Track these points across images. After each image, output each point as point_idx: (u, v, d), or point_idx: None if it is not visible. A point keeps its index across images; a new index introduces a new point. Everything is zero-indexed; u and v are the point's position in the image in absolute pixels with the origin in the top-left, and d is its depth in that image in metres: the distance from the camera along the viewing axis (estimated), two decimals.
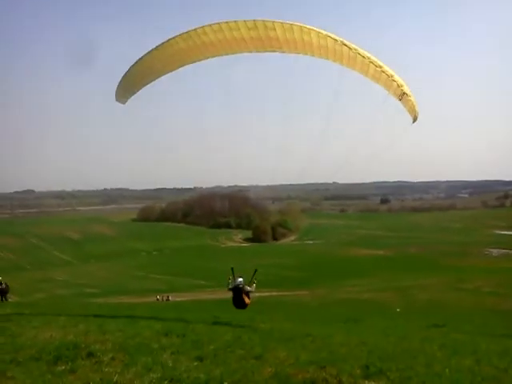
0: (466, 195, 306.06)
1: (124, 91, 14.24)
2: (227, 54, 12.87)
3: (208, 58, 13.16)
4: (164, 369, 7.39)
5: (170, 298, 51.67)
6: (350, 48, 12.12)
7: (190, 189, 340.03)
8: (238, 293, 14.02)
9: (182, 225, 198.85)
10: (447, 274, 65.40)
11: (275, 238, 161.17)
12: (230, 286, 14.33)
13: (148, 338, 10.04)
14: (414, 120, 13.82)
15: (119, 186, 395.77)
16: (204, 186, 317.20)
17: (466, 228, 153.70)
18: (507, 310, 31.63)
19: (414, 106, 13.40)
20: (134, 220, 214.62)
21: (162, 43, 12.65)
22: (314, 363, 8.25)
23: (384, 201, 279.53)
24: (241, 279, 14.36)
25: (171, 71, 13.54)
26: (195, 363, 7.90)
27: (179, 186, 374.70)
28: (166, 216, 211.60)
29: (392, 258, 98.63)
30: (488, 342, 13.28)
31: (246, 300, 14.09)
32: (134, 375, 7.02)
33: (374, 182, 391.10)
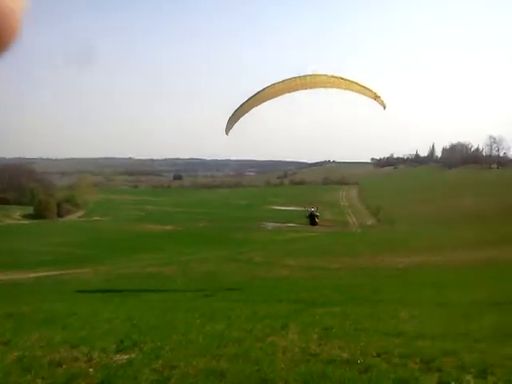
0: (253, 173, 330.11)
1: (230, 124, 21.28)
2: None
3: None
4: None
5: None
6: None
7: None
8: (313, 217, 25.74)
9: None
10: (230, 248, 70.02)
11: (60, 215, 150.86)
12: (307, 214, 25.86)
13: None
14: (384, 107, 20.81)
15: None
16: None
17: (250, 204, 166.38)
18: (273, 278, 35.28)
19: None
20: None
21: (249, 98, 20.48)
22: (67, 343, 8.11)
23: (176, 177, 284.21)
24: (313, 208, 26.07)
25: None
26: None
27: None
28: None
29: (180, 232, 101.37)
30: (245, 307, 14.65)
31: (317, 220, 25.98)
32: None
33: (168, 159, 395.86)
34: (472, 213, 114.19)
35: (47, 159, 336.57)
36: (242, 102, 20.66)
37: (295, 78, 19.98)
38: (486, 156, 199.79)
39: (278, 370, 6.69)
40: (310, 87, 20.22)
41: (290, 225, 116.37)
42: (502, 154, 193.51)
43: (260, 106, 20.89)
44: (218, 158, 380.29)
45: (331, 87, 20.12)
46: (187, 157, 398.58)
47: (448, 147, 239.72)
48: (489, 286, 19.10)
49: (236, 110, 20.89)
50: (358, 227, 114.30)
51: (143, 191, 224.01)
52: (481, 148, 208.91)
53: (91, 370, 6.79)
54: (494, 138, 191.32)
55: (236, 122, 21.21)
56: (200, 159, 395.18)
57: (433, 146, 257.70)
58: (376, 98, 20.20)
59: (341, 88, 20.07)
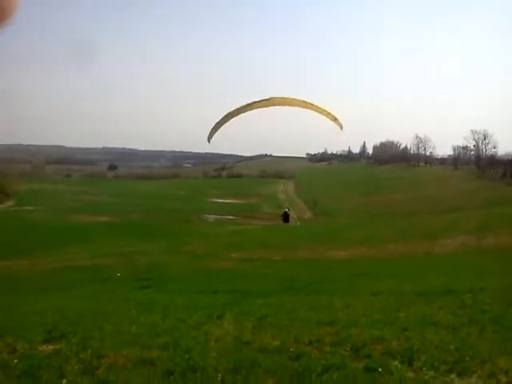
0: (190, 165, 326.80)
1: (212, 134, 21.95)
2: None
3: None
4: None
5: None
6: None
7: None
8: (287, 215, 29.74)
9: None
10: (169, 239, 69.00)
11: None
12: (281, 213, 30.63)
13: None
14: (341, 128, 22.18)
15: None
16: None
17: (188, 196, 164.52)
18: (216, 269, 35.15)
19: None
20: None
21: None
22: None
23: (112, 167, 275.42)
24: (287, 209, 30.90)
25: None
26: None
27: None
28: None
29: (116, 224, 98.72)
30: (183, 297, 14.53)
31: (290, 219, 32.50)
32: None
33: (103, 148, 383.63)
34: (402, 207, 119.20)
35: None
36: (223, 115, 22.69)
37: (271, 98, 21.51)
38: (414, 154, 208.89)
39: (208, 358, 6.69)
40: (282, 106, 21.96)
41: (230, 217, 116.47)
42: (428, 153, 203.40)
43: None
44: (152, 149, 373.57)
45: (301, 107, 21.97)
46: (122, 146, 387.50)
47: (378, 145, 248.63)
48: (417, 276, 19.98)
49: (218, 122, 22.85)
50: (296, 220, 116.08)
51: (77, 181, 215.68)
52: (409, 147, 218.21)
53: (16, 361, 6.51)
54: (420, 138, 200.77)
55: (217, 130, 23.24)
56: (135, 149, 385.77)
57: (364, 144, 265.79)
58: (335, 120, 22.11)
59: (308, 109, 21.90)
